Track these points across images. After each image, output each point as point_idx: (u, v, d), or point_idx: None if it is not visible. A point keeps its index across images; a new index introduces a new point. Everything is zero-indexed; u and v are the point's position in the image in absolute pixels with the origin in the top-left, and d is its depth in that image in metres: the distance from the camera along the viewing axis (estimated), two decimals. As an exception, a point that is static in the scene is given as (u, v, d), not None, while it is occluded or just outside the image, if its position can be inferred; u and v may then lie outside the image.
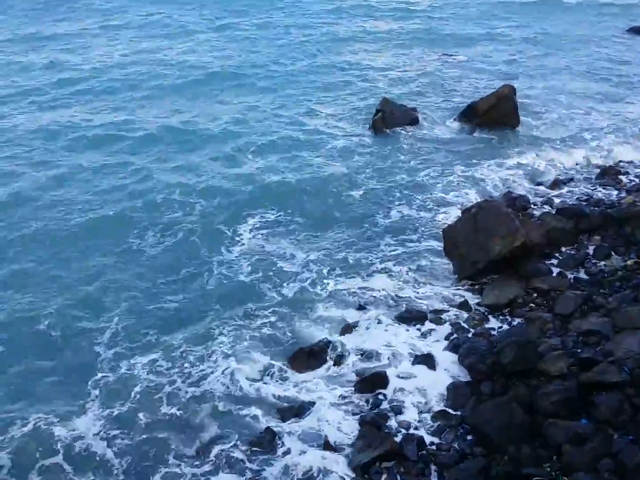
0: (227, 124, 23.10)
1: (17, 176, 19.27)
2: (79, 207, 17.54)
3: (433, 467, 9.64)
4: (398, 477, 9.54)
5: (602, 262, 14.45)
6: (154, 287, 14.47)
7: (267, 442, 10.34)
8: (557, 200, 17.64)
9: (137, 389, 11.64)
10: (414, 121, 23.32)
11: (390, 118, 22.88)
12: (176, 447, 10.50)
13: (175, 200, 17.92)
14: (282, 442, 10.39)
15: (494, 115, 22.76)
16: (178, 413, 11.13)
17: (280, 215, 17.36)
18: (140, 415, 11.09)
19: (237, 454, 10.27)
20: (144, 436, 10.69)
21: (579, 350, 11.22)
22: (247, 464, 10.09)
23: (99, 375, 12.00)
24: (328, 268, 15.06)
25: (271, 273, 14.92)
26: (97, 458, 10.30)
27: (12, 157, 20.57)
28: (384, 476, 9.31)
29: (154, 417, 11.07)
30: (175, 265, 15.22)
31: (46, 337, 12.98)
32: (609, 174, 19.28)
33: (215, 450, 10.38)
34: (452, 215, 16.94)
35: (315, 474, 9.80)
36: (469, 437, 10.06)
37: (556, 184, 18.90)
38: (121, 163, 20.21)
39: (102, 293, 14.22)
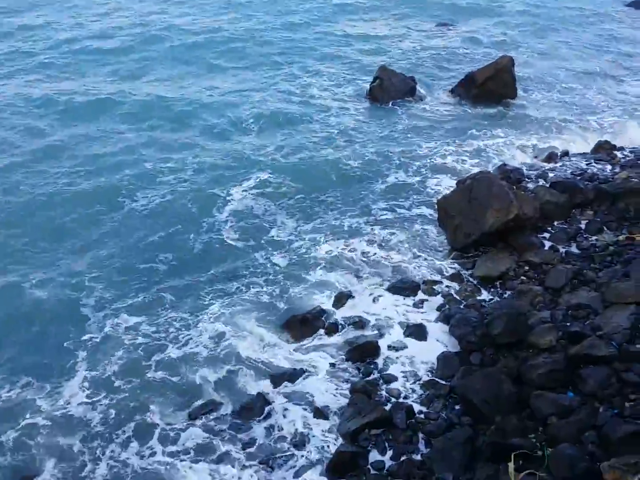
0: (221, 93, 22.80)
1: (6, 144, 18.97)
2: (68, 174, 17.31)
3: (421, 436, 9.80)
4: (386, 444, 9.70)
5: (594, 237, 14.53)
6: (143, 251, 14.45)
7: (257, 408, 10.47)
8: (551, 174, 17.61)
9: (123, 352, 11.70)
10: (412, 90, 23.10)
11: (387, 86, 22.65)
12: (164, 412, 10.58)
13: (166, 168, 17.74)
14: (273, 408, 10.52)
15: (492, 86, 22.56)
16: (166, 378, 11.19)
17: (274, 182, 17.25)
18: (127, 379, 11.16)
19: (228, 419, 10.39)
20: (131, 401, 10.74)
21: (568, 324, 11.34)
22: (238, 429, 10.20)
23: (87, 336, 12.04)
24: (322, 234, 15.08)
25: (264, 238, 14.98)
26: (83, 422, 10.34)
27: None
28: None
29: (142, 381, 11.13)
30: (165, 229, 15.18)
31: (33, 299, 12.92)
32: (603, 149, 19.21)
33: (205, 415, 10.47)
34: (446, 186, 16.91)
35: (305, 440, 9.96)
36: (457, 407, 10.22)
37: (551, 157, 18.84)
38: (112, 132, 19.86)
39: (91, 257, 14.21)
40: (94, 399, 10.76)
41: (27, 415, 10.42)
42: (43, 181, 16.88)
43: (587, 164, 18.35)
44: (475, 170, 17.25)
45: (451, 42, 28.87)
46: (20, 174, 17.28)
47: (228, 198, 16.34)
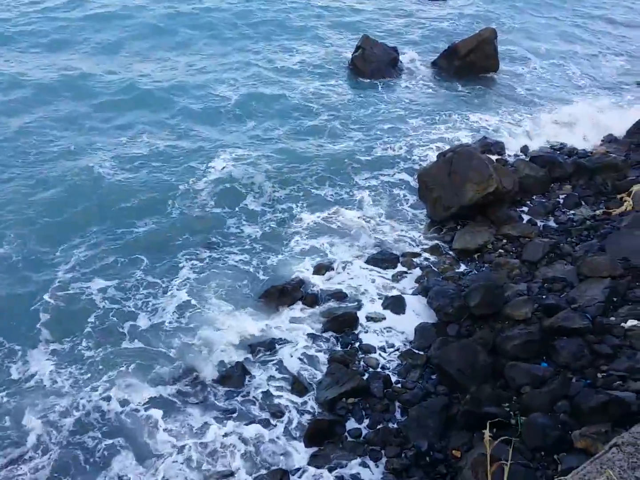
0: (196, 70, 22.02)
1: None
2: (38, 148, 16.65)
3: (397, 404, 9.95)
4: (363, 413, 9.84)
5: (572, 211, 14.70)
6: (119, 219, 14.19)
7: (236, 377, 10.51)
8: (531, 148, 17.70)
9: (94, 319, 11.58)
10: (394, 61, 22.93)
11: (369, 56, 22.46)
12: (137, 382, 10.45)
13: (142, 141, 17.32)
14: (252, 377, 10.59)
15: (474, 58, 22.49)
16: (139, 346, 11.12)
17: (254, 155, 16.97)
18: (99, 348, 11.03)
19: (207, 388, 10.42)
20: (103, 372, 10.59)
21: (543, 297, 11.51)
22: (217, 398, 10.26)
23: (53, 303, 11.83)
24: (302, 206, 15.03)
25: (242, 208, 14.84)
26: (49, 392, 10.20)
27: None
28: None
29: (114, 349, 11.04)
30: (142, 199, 14.85)
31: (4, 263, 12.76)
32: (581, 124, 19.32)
33: (182, 384, 10.47)
34: (427, 159, 16.92)
35: (283, 409, 10.06)
36: (433, 377, 10.37)
37: (532, 131, 18.92)
38: (86, 108, 19.06)
39: (64, 222, 13.93)
40: (63, 366, 10.64)
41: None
42: (20, 159, 16.31)
43: (566, 138, 18.42)
44: (456, 143, 17.28)
45: (436, 13, 28.64)
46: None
47: (207, 171, 16.04)
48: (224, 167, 16.22)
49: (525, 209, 14.99)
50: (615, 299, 11.06)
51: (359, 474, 8.92)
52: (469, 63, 22.46)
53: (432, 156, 16.80)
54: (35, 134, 17.21)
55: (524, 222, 14.39)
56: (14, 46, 22.74)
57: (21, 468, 9.05)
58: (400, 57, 23.36)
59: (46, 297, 11.93)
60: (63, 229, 13.75)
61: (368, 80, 21.85)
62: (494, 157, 16.18)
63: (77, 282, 12.35)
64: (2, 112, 18.31)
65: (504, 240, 13.74)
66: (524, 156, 17.13)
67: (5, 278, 12.37)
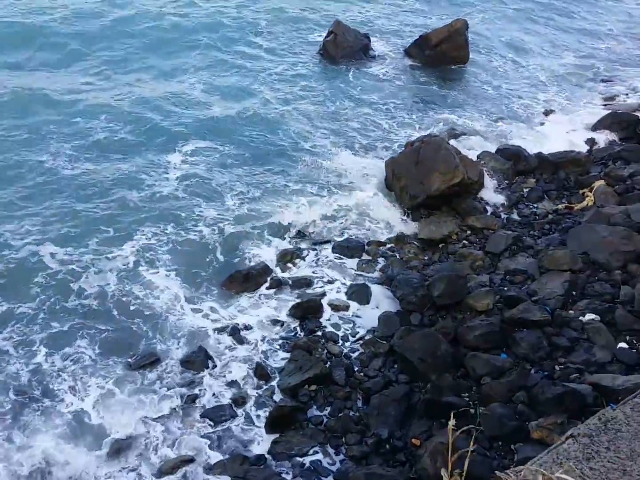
0: (160, 52, 21.54)
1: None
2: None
3: (359, 392, 10.00)
4: (325, 400, 9.88)
5: (535, 205, 14.94)
6: (75, 199, 13.89)
7: (198, 362, 10.43)
8: (497, 140, 17.86)
9: (48, 290, 11.46)
10: (366, 47, 22.85)
11: (341, 42, 22.32)
12: (99, 363, 10.32)
13: (101, 126, 16.79)
14: (214, 363, 10.52)
15: (445, 49, 22.53)
16: (99, 326, 10.93)
17: (220, 145, 16.61)
18: (51, 323, 10.87)
19: (168, 372, 10.31)
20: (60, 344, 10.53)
21: (505, 288, 11.71)
22: (178, 383, 10.17)
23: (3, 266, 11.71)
24: (267, 193, 14.85)
25: (206, 194, 14.54)
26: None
27: None
28: None
29: (69, 327, 10.87)
30: (104, 186, 14.42)
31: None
32: (549, 117, 19.61)
33: (144, 367, 10.33)
34: (394, 148, 16.95)
35: (245, 395, 10.03)
36: (395, 366, 10.45)
37: (498, 122, 19.11)
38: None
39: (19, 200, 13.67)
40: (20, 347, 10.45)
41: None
42: None
43: (532, 132, 18.68)
44: (424, 133, 17.35)
45: (409, 4, 28.52)
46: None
47: (169, 160, 15.71)
48: (186, 157, 15.84)
49: (490, 201, 15.14)
50: (574, 293, 11.31)
51: (319, 460, 8.96)
52: (440, 53, 22.51)
53: (400, 145, 16.84)
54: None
55: (489, 214, 14.56)
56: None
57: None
58: (372, 44, 23.29)
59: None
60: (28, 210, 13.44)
61: (338, 67, 21.72)
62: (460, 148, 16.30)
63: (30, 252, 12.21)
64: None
65: (468, 232, 13.91)
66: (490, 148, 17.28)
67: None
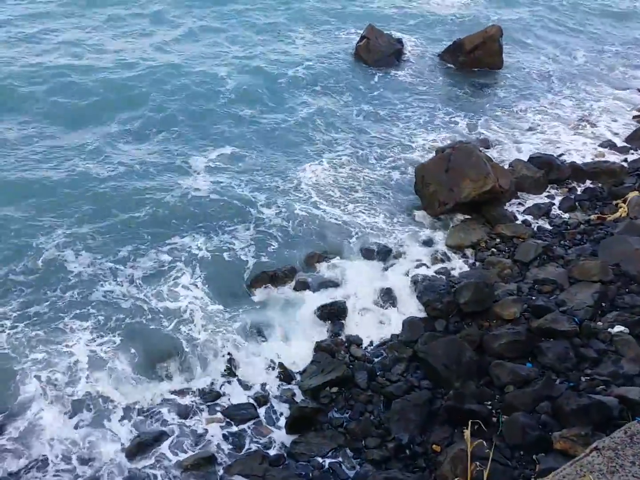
0: (196, 56, 21.76)
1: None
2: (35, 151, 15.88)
3: (381, 397, 9.94)
4: (346, 403, 9.85)
5: (567, 214, 14.72)
6: (113, 212, 13.90)
7: (222, 361, 10.51)
8: (530, 148, 17.63)
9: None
10: (399, 52, 22.80)
11: (374, 46, 22.32)
12: (128, 365, 10.43)
13: (132, 131, 17.00)
14: (237, 362, 10.57)
15: (479, 55, 22.37)
16: (130, 330, 11.06)
17: (253, 144, 16.80)
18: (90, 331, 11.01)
19: (189, 372, 10.39)
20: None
21: (533, 297, 11.57)
22: (200, 382, 10.25)
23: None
24: (294, 196, 14.89)
25: (238, 199, 14.57)
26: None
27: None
28: None
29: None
30: (139, 193, 14.54)
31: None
32: (583, 127, 19.28)
33: (165, 368, 10.45)
34: (425, 154, 16.87)
35: (266, 395, 10.07)
36: (418, 371, 10.38)
37: (531, 131, 18.88)
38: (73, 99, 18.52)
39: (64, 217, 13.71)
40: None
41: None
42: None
43: (566, 141, 18.41)
44: (456, 139, 17.23)
45: (443, 6, 28.40)
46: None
47: (201, 160, 15.86)
48: (215, 160, 15.96)
49: (520, 209, 15.00)
50: (604, 304, 11.13)
51: (338, 463, 8.95)
52: (474, 59, 22.35)
53: (430, 150, 16.76)
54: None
55: (519, 222, 14.40)
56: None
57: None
58: (405, 49, 23.24)
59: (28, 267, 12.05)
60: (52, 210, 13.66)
61: (370, 70, 21.69)
62: (491, 155, 16.16)
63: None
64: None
65: (498, 240, 13.76)
66: (522, 156, 17.08)
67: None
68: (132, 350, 10.62)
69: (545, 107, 20.58)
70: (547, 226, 14.34)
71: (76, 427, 9.38)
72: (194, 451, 9.15)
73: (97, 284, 11.85)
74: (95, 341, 10.68)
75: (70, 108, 17.86)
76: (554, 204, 15.15)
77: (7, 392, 9.70)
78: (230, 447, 9.27)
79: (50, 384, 9.84)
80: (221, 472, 8.86)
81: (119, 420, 9.55)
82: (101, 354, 10.45)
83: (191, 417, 9.68)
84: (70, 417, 9.48)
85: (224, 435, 9.42)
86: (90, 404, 9.68)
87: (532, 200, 15.33)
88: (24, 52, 20.80)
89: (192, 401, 9.94)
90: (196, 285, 12.02)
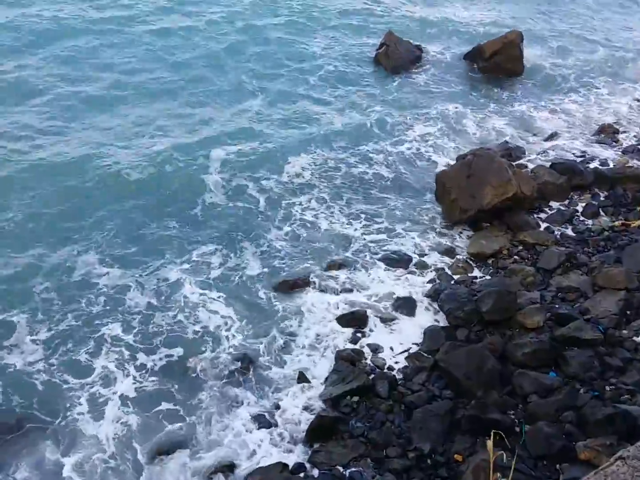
0: (214, 57, 21.90)
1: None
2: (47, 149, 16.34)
3: (402, 406, 9.87)
4: (367, 412, 9.78)
5: (590, 221, 14.54)
6: (136, 217, 14.00)
7: (243, 369, 10.54)
8: (552, 154, 17.52)
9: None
10: (418, 59, 22.80)
11: (393, 53, 22.32)
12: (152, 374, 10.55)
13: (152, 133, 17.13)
14: (257, 369, 10.59)
15: (499, 60, 22.25)
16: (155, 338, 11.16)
17: (273, 145, 16.91)
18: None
19: (208, 380, 10.42)
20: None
21: (556, 306, 11.43)
22: (220, 388, 10.27)
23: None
24: (314, 204, 14.89)
25: (257, 207, 14.63)
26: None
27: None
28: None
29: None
30: (161, 199, 14.64)
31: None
32: (606, 132, 19.07)
33: (192, 368, 10.56)
34: (446, 160, 16.81)
35: (287, 402, 10.05)
36: (440, 381, 10.28)
37: (553, 137, 18.72)
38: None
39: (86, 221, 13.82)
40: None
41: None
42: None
43: (588, 146, 18.25)
44: (476, 145, 17.15)
45: (462, 11, 28.32)
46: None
47: (222, 161, 15.97)
48: (233, 163, 16.06)
49: (543, 215, 14.85)
50: (628, 312, 10.98)
51: (359, 472, 8.89)
52: (494, 65, 22.25)
53: (451, 157, 16.70)
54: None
55: (541, 229, 14.26)
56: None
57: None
58: (424, 55, 23.21)
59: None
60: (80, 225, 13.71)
61: (389, 76, 21.66)
62: (513, 162, 16.04)
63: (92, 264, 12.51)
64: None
65: (520, 247, 13.62)
66: (544, 162, 16.93)
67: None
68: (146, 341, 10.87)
69: (567, 112, 20.42)
70: (571, 233, 14.17)
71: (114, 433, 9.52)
72: (213, 459, 9.15)
73: (123, 295, 11.91)
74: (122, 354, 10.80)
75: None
76: (577, 211, 14.97)
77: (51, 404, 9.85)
78: (249, 455, 9.25)
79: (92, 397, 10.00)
80: (242, 480, 8.87)
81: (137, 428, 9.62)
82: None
83: (209, 424, 9.68)
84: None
85: (243, 443, 9.41)
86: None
87: (554, 206, 15.17)
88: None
89: (211, 408, 9.95)
90: (215, 295, 12.06)
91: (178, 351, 10.86)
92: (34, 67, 19.62)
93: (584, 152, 17.78)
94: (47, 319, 11.23)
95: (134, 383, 10.27)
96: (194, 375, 10.47)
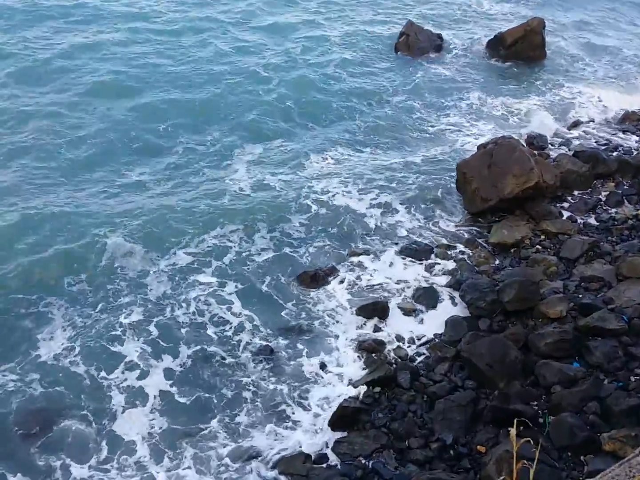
0: (235, 44, 22.07)
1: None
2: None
3: (424, 397, 9.87)
4: (389, 402, 9.80)
5: (614, 210, 14.36)
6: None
7: (263, 359, 10.61)
8: (575, 142, 17.30)
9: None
10: (438, 48, 22.62)
11: (414, 42, 22.18)
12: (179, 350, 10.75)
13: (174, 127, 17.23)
14: (279, 361, 10.64)
15: (520, 48, 22.03)
16: (179, 320, 11.32)
17: (298, 135, 16.96)
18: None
19: (233, 371, 10.51)
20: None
21: (579, 296, 11.32)
22: (244, 378, 10.36)
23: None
24: (339, 192, 14.92)
25: (277, 197, 14.63)
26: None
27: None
28: None
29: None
30: (190, 192, 14.79)
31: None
32: (630, 120, 18.80)
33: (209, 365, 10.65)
34: (467, 149, 16.68)
35: (308, 393, 10.10)
36: (462, 371, 10.26)
37: (576, 125, 18.48)
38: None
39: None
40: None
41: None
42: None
43: (612, 134, 18.01)
44: (498, 134, 16.99)
45: (485, 4, 27.98)
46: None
47: (247, 151, 16.08)
48: (261, 152, 16.16)
49: (565, 204, 14.69)
50: (654, 302, 10.80)
51: (382, 462, 8.91)
52: (515, 52, 22.02)
53: (471, 146, 16.56)
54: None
55: (564, 218, 14.10)
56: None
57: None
58: (445, 44, 23.02)
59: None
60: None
61: (410, 65, 21.53)
62: (535, 150, 15.87)
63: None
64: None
65: (542, 236, 13.49)
66: (567, 150, 16.73)
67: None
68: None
69: (590, 99, 20.13)
70: (594, 222, 14.01)
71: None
72: (238, 449, 9.24)
73: (146, 282, 12.07)
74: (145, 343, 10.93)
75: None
76: (600, 199, 14.79)
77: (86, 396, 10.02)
78: (272, 444, 9.32)
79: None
80: (265, 470, 8.93)
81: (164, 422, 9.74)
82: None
83: (233, 415, 9.77)
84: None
85: (267, 434, 9.49)
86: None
87: (577, 195, 15.00)
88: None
89: (235, 396, 10.06)
90: (235, 285, 12.13)
91: (200, 341, 10.99)
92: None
93: (607, 140, 17.55)
94: (77, 308, 11.44)
95: (162, 374, 10.42)
96: (217, 365, 10.56)
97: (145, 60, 20.43)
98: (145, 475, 8.92)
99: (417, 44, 22.22)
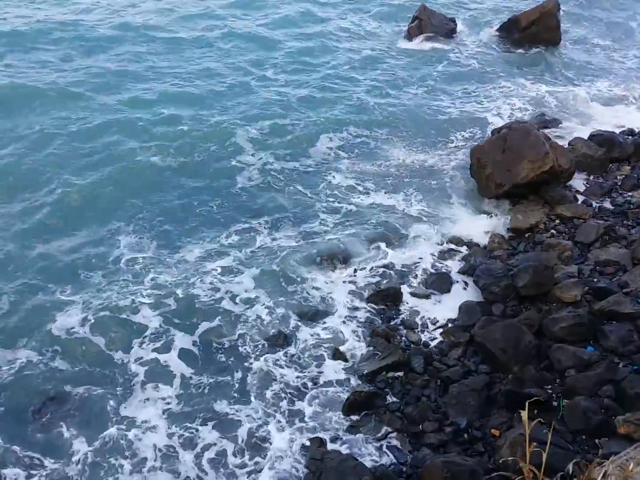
0: (248, 26, 22.12)
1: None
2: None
3: (437, 381, 9.90)
4: (403, 387, 9.84)
5: (629, 193, 14.22)
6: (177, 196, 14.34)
7: (279, 344, 10.67)
8: (590, 126, 17.12)
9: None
10: (452, 32, 22.47)
11: (427, 26, 22.03)
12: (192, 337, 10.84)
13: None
14: (294, 345, 10.71)
15: (535, 31, 21.83)
16: (198, 307, 11.38)
17: (312, 119, 16.96)
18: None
19: (245, 357, 10.57)
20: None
21: (594, 280, 11.26)
22: (258, 361, 10.45)
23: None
24: (350, 178, 14.94)
25: (294, 188, 14.70)
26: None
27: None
28: None
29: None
30: (204, 177, 14.93)
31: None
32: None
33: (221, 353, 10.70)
34: (481, 134, 16.58)
35: (324, 377, 10.16)
36: (476, 356, 10.27)
37: (592, 108, 18.27)
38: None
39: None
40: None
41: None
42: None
43: (627, 118, 17.78)
44: (512, 118, 16.86)
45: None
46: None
47: (262, 140, 16.13)
48: (269, 140, 16.14)
49: (581, 189, 14.56)
50: (670, 285, 10.73)
51: (396, 447, 8.97)
52: (530, 35, 21.83)
53: (485, 131, 16.46)
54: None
55: (579, 202, 14.00)
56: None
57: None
58: (459, 28, 22.82)
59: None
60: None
61: (423, 50, 21.41)
62: (550, 134, 15.73)
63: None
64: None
65: (557, 221, 13.42)
66: (582, 134, 16.57)
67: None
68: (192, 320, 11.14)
69: (606, 82, 19.94)
70: (609, 206, 13.90)
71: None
72: (252, 434, 9.32)
73: (161, 272, 12.14)
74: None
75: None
76: (616, 183, 14.65)
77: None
78: (286, 428, 9.38)
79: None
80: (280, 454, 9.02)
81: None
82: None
83: (247, 401, 9.83)
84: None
85: (279, 417, 9.55)
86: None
87: (593, 179, 14.87)
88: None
89: (247, 384, 10.09)
90: (251, 272, 12.17)
91: (216, 328, 11.04)
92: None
93: (623, 123, 17.32)
94: (92, 296, 11.54)
95: (176, 359, 10.48)
96: (231, 351, 10.63)
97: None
98: (160, 454, 9.03)
99: (429, 28, 22.07)
